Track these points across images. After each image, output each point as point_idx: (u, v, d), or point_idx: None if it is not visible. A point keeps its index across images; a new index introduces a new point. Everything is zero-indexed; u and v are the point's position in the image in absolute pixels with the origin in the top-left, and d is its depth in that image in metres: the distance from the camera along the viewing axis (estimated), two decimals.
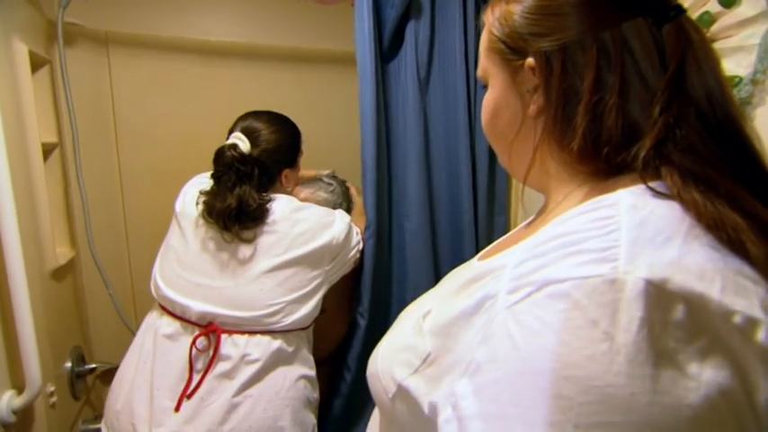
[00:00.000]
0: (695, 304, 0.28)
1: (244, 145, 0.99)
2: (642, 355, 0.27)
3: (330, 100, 1.65)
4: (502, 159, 0.50)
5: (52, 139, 1.28)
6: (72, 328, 1.33)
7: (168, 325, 0.96)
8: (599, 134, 0.37)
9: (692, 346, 0.27)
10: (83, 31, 1.35)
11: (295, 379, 0.97)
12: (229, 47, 1.53)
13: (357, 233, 1.14)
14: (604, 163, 0.38)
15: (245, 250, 0.97)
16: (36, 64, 1.19)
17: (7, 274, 0.92)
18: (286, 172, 1.07)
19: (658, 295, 0.28)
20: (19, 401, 0.95)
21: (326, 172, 1.39)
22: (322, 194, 1.33)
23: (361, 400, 1.23)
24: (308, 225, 1.00)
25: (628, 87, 0.36)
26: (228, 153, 0.97)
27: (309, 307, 1.00)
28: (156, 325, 0.97)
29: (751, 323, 0.28)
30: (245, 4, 1.54)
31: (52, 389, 1.12)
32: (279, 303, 0.96)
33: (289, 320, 0.96)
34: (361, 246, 1.14)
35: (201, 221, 0.98)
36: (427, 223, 1.24)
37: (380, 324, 1.23)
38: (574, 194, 0.40)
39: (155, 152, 1.49)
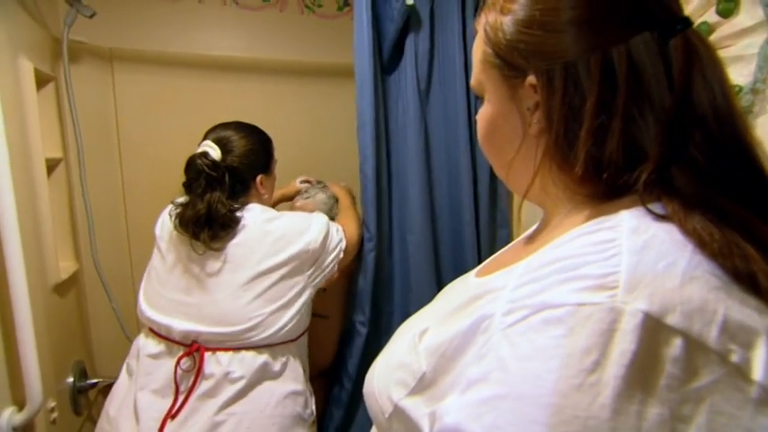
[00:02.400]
0: (694, 340, 0.27)
1: (214, 152, 0.99)
2: (631, 389, 0.26)
3: (332, 112, 1.66)
4: (499, 174, 0.49)
5: (57, 154, 1.30)
6: (74, 342, 1.33)
7: (154, 346, 0.95)
8: (600, 158, 0.36)
9: (687, 385, 0.27)
10: (87, 48, 1.38)
11: (284, 395, 0.95)
12: (232, 61, 1.55)
13: (338, 230, 1.11)
14: (604, 185, 0.37)
15: (216, 262, 0.95)
16: (41, 81, 1.21)
17: (9, 288, 0.93)
18: (261, 178, 1.07)
19: (656, 329, 0.27)
20: (19, 418, 0.95)
21: (310, 181, 1.41)
22: (320, 196, 1.34)
23: (362, 412, 1.22)
24: (283, 232, 0.99)
25: (631, 109, 0.35)
26: (199, 161, 0.97)
27: (292, 313, 0.97)
28: (141, 346, 0.97)
29: (749, 361, 0.27)
30: (248, 19, 1.56)
31: (53, 404, 1.12)
32: (259, 315, 0.94)
33: (270, 331, 0.94)
34: (343, 245, 1.10)
35: (176, 236, 0.98)
36: (429, 236, 1.23)
37: (382, 337, 1.23)
38: (573, 215, 0.39)
39: (158, 167, 1.49)
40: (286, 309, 0.97)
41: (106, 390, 1.40)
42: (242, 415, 0.90)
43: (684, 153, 0.33)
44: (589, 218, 0.37)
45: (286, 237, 0.99)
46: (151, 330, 0.98)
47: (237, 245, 0.96)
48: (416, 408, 0.39)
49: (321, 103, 1.66)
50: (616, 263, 0.30)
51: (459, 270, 1.25)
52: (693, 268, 0.29)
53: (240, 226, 0.97)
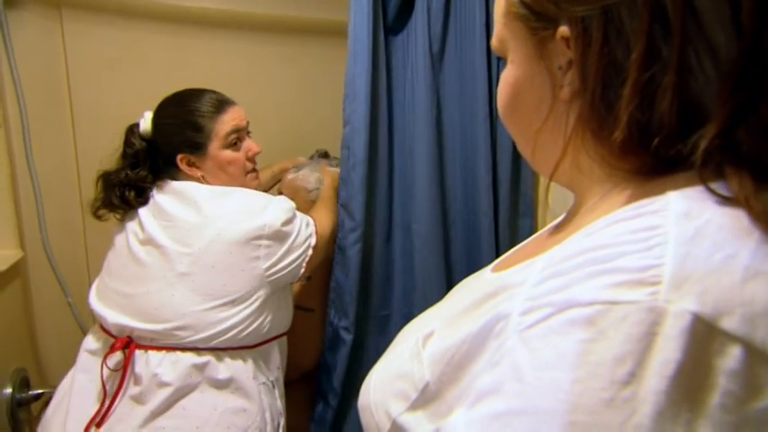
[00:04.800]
0: (757, 351, 0.26)
1: (144, 123, 1.04)
2: (675, 407, 0.25)
3: (323, 78, 1.62)
4: (523, 151, 0.47)
5: None
6: (15, 346, 1.27)
7: (94, 341, 0.97)
8: (648, 122, 0.33)
9: (748, 405, 0.25)
10: None
11: (230, 411, 0.90)
12: (206, 14, 1.49)
13: (308, 224, 1.06)
14: (652, 157, 0.34)
15: (152, 248, 0.96)
16: None
17: None
18: (182, 157, 1.03)
19: (708, 335, 0.26)
20: None
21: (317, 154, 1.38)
22: (308, 174, 1.31)
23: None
24: (227, 211, 0.95)
25: (689, 59, 0.32)
26: (127, 131, 1.06)
27: (243, 315, 0.93)
28: (84, 341, 1.00)
29: None
30: None
31: None
32: (192, 312, 0.90)
33: (208, 333, 0.90)
34: (313, 241, 1.05)
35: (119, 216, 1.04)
36: (439, 226, 1.22)
37: (381, 343, 1.21)
38: (611, 196, 0.38)
39: (118, 137, 1.40)
40: (231, 307, 0.93)
41: None
42: (173, 430, 0.87)
43: (754, 113, 0.31)
44: (631, 199, 0.35)
45: (230, 216, 0.95)
46: (100, 325, 1.00)
47: (172, 227, 0.95)
48: (418, 424, 0.39)
49: (312, 67, 1.62)
50: (659, 254, 0.28)
51: (474, 266, 1.25)
52: (760, 262, 0.27)
53: (176, 205, 0.98)
